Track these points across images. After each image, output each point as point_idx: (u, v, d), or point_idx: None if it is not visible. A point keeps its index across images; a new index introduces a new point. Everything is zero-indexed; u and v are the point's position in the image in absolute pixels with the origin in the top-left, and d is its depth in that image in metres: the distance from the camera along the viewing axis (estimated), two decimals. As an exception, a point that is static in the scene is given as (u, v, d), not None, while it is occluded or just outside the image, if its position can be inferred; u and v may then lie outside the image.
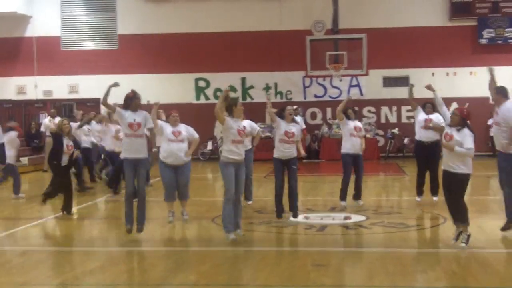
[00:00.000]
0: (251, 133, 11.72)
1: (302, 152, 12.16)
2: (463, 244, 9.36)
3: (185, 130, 11.74)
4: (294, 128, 11.86)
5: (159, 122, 11.63)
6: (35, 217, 12.98)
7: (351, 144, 12.94)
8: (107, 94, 10.29)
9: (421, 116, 13.26)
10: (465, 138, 9.38)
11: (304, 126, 21.76)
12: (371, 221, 11.83)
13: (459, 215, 9.51)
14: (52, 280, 8.16)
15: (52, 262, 9.10)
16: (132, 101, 10.36)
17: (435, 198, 13.19)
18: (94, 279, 8.31)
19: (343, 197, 13.06)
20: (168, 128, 11.61)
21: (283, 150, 11.80)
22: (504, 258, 9.25)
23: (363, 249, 9.71)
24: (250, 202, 13.45)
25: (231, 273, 8.54)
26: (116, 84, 10.27)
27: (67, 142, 12.86)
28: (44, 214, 13.26)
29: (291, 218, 11.88)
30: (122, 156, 10.41)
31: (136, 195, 10.41)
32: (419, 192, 13.48)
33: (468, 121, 9.63)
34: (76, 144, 13.46)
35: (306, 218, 12.18)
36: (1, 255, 9.59)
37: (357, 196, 13.27)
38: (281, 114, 11.90)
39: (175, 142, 11.56)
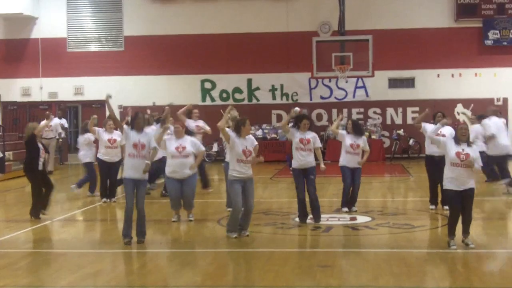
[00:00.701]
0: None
1: (322, 166, 11.94)
2: (473, 245, 9.45)
3: (190, 144, 11.80)
4: (309, 135, 11.70)
5: (163, 138, 11.77)
6: (39, 219, 12.99)
7: (347, 160, 12.84)
8: (110, 108, 10.41)
9: (430, 130, 12.39)
10: (478, 155, 9.48)
11: None
12: (377, 222, 11.83)
13: (469, 226, 9.55)
14: (57, 281, 8.17)
15: (57, 264, 9.11)
16: (134, 122, 10.32)
17: (446, 207, 12.79)
18: (99, 280, 8.32)
19: (344, 204, 13.01)
20: (172, 144, 11.73)
21: (300, 159, 11.64)
22: (509, 258, 9.23)
23: (369, 250, 9.70)
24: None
25: (237, 274, 8.55)
26: (108, 96, 10.34)
27: (41, 147, 12.74)
28: (48, 217, 13.27)
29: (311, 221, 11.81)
30: (123, 175, 10.33)
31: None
32: (434, 202, 13.09)
33: None
34: (45, 148, 13.27)
35: (312, 219, 12.16)
36: (6, 256, 9.60)
37: (351, 204, 13.11)
38: (296, 125, 11.80)
39: (179, 158, 11.68)
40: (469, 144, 9.49)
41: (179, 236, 11.32)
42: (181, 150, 11.67)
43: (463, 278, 8.11)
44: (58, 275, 8.44)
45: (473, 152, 9.42)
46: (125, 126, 10.30)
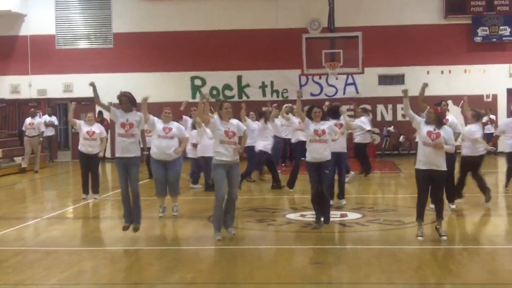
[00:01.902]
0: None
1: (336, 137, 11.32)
2: (445, 237, 9.65)
3: (176, 127, 11.98)
4: (324, 126, 11.04)
5: (151, 117, 11.80)
6: (29, 217, 12.96)
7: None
8: (95, 93, 10.29)
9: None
10: (450, 135, 9.76)
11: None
12: (367, 218, 11.85)
13: (441, 210, 9.78)
14: (47, 279, 8.14)
15: (47, 262, 9.06)
16: (119, 102, 10.33)
17: (452, 206, 12.30)
18: (90, 278, 8.30)
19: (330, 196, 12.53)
20: (159, 124, 11.86)
21: (315, 151, 10.86)
22: (498, 254, 9.27)
23: (360, 247, 9.70)
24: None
25: (228, 271, 8.54)
26: (92, 84, 10.23)
27: None
28: (38, 214, 13.23)
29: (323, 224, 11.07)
30: (116, 155, 10.34)
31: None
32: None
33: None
34: None
35: (303, 216, 12.18)
36: (-4, 254, 9.56)
37: (341, 195, 13.02)
38: (308, 115, 11.28)
39: (165, 138, 11.82)
40: (441, 125, 9.74)
41: (169, 233, 11.31)
42: (167, 131, 11.83)
43: (453, 274, 8.14)
44: (49, 273, 8.40)
45: (445, 132, 9.67)
46: (112, 108, 10.29)
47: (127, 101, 10.24)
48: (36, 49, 26.69)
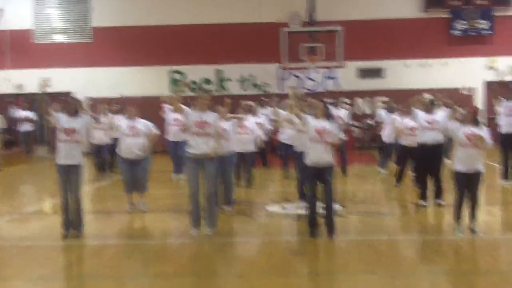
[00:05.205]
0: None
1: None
2: (481, 234, 9.55)
3: (141, 125, 11.90)
4: (328, 125, 9.56)
5: (116, 121, 11.94)
6: (7, 212, 12.85)
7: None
8: (45, 104, 10.14)
9: (421, 116, 12.04)
10: (487, 135, 9.54)
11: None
12: (347, 210, 11.89)
13: (475, 210, 9.63)
14: (28, 274, 8.10)
15: (28, 257, 9.02)
16: (65, 106, 10.16)
17: (442, 202, 12.11)
18: (71, 272, 8.27)
19: (302, 196, 12.04)
20: (124, 123, 11.89)
21: (315, 154, 9.45)
22: (477, 243, 9.35)
23: (340, 238, 9.73)
24: (229, 208, 12.37)
25: (208, 265, 8.54)
26: (45, 83, 10.11)
27: None
28: (16, 210, 13.14)
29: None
30: (56, 161, 10.01)
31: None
32: (424, 197, 12.23)
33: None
34: None
35: (283, 208, 12.20)
36: (-25, 249, 9.49)
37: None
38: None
39: (131, 136, 11.79)
40: (478, 125, 9.58)
41: (149, 227, 11.27)
42: (133, 129, 11.81)
43: (433, 263, 8.20)
44: (29, 268, 8.36)
45: (483, 132, 9.49)
46: (54, 113, 10.13)
47: (73, 103, 10.06)
48: (14, 43, 26.45)
